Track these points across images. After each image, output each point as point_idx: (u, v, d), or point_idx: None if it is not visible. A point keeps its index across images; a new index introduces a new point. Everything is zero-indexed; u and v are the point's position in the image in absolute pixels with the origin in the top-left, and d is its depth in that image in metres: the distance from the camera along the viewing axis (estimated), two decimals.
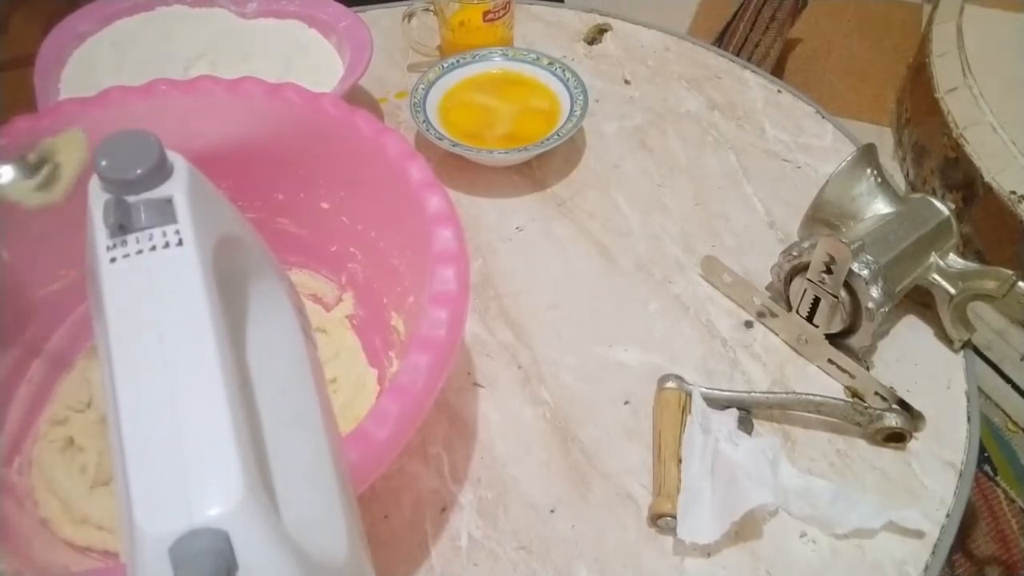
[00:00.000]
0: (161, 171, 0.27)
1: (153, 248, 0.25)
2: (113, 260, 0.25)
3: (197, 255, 0.25)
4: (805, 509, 0.43)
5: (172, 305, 0.25)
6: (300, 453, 0.27)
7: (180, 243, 0.26)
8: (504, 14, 0.70)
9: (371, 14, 0.80)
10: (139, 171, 0.26)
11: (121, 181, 0.26)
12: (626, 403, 0.49)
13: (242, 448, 0.22)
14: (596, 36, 0.78)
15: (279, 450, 0.26)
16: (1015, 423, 1.03)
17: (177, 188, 0.27)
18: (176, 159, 0.28)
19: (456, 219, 0.39)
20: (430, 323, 0.35)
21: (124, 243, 0.26)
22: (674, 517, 0.42)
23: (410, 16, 0.72)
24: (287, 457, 0.26)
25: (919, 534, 0.42)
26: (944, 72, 1.17)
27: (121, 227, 0.25)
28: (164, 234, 0.26)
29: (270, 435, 0.27)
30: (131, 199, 0.26)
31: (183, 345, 0.24)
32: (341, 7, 0.68)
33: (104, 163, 0.26)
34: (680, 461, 0.44)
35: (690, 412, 0.46)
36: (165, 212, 0.26)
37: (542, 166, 0.65)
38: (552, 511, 0.44)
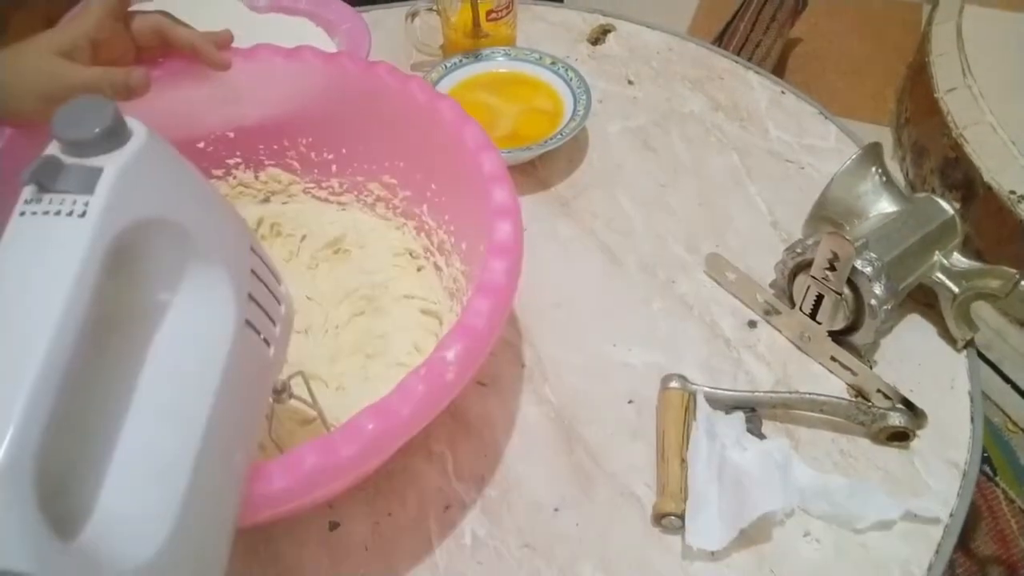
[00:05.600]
0: (110, 141, 0.26)
1: (58, 213, 0.25)
2: (23, 214, 0.25)
3: (92, 231, 0.25)
4: (823, 507, 0.43)
5: (41, 271, 0.24)
6: (160, 448, 0.26)
7: (84, 215, 0.25)
8: (507, 14, 0.70)
9: (374, 14, 0.80)
10: (80, 135, 0.26)
11: (64, 141, 0.26)
12: (630, 402, 0.49)
13: (26, 425, 0.22)
14: (599, 36, 0.78)
15: (138, 440, 0.25)
16: (1015, 423, 1.03)
17: (115, 161, 0.26)
18: (140, 132, 0.27)
19: (507, 179, 0.44)
20: (490, 272, 0.39)
21: (40, 201, 0.25)
22: (678, 516, 0.42)
23: (413, 16, 0.72)
24: (143, 448, 0.25)
25: (921, 533, 0.42)
26: (944, 72, 1.16)
27: (38, 184, 0.25)
28: (75, 202, 0.25)
29: (132, 423, 0.26)
30: (68, 161, 0.26)
31: (24, 314, 0.24)
32: (346, 8, 0.69)
33: (58, 120, 0.26)
34: (683, 461, 0.44)
35: (695, 415, 0.46)
36: (88, 182, 0.26)
37: (545, 166, 0.65)
38: (556, 510, 0.44)
